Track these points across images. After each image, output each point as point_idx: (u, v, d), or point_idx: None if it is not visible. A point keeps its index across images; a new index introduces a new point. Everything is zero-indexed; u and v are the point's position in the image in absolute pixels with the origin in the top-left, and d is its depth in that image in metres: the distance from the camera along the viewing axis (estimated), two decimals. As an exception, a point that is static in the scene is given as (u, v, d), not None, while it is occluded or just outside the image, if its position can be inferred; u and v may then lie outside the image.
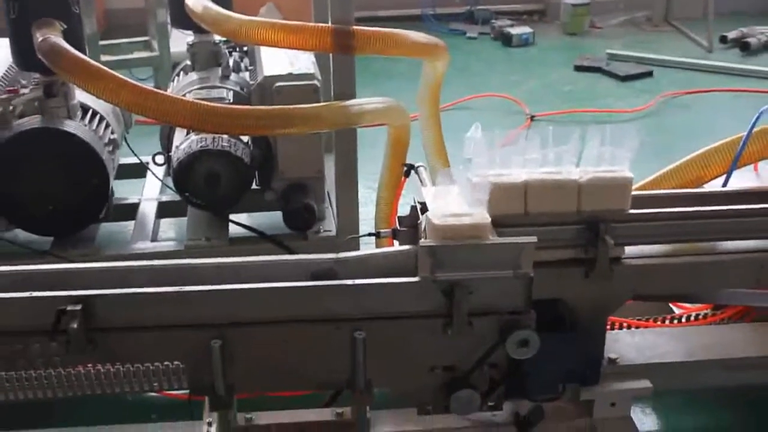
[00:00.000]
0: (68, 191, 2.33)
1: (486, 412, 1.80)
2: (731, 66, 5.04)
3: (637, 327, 2.19)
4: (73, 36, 2.25)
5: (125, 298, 1.58)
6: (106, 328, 1.58)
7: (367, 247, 2.18)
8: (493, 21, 5.92)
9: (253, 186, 2.44)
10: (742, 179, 2.23)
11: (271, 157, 2.41)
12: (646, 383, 1.94)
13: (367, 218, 2.50)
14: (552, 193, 1.68)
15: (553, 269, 1.72)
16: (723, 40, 5.42)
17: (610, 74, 5.01)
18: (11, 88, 2.46)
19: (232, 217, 2.45)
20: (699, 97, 4.64)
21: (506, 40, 5.67)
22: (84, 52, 2.19)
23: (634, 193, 1.74)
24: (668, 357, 2.05)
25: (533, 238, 1.58)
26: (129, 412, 2.21)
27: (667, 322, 2.25)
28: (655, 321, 2.24)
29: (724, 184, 2.18)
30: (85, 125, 2.44)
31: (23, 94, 2.44)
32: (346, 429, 1.81)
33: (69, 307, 1.54)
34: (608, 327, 1.90)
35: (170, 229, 2.66)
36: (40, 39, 2.18)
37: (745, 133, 2.15)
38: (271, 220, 2.45)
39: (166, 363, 1.79)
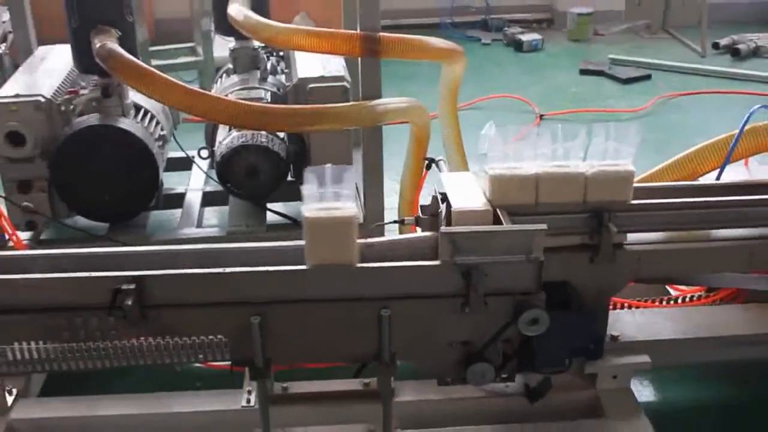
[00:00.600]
0: (122, 182, 2.35)
1: (499, 384, 1.81)
2: (723, 70, 5.02)
3: (637, 307, 2.19)
4: (127, 42, 2.27)
5: (174, 278, 1.59)
6: (157, 305, 1.59)
7: (392, 234, 2.19)
8: (505, 28, 5.90)
9: (289, 178, 2.44)
10: (734, 173, 2.23)
11: (304, 151, 2.41)
12: (645, 358, 1.93)
13: (391, 207, 2.50)
14: (560, 185, 1.68)
15: (561, 254, 1.71)
16: (715, 46, 5.39)
17: (612, 77, 4.99)
18: (72, 90, 2.47)
19: (269, 205, 2.45)
20: (693, 99, 4.62)
21: (517, 45, 5.65)
22: (137, 57, 2.20)
23: (635, 185, 1.74)
24: (665, 334, 2.05)
25: (543, 226, 1.58)
26: (177, 381, 2.22)
27: (664, 303, 2.24)
28: (653, 302, 2.23)
29: (718, 178, 2.18)
30: (138, 122, 2.45)
31: (83, 94, 2.45)
32: (372, 398, 1.81)
33: (124, 286, 1.56)
34: (611, 307, 1.89)
35: (213, 216, 2.67)
36: (98, 45, 2.19)
37: (737, 132, 2.14)
38: (305, 209, 2.45)
39: (210, 337, 1.80)
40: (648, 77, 4.99)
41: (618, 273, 1.79)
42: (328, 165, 1.58)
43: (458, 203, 1.65)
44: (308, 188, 1.55)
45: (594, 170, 1.69)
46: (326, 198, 1.54)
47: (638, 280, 2.05)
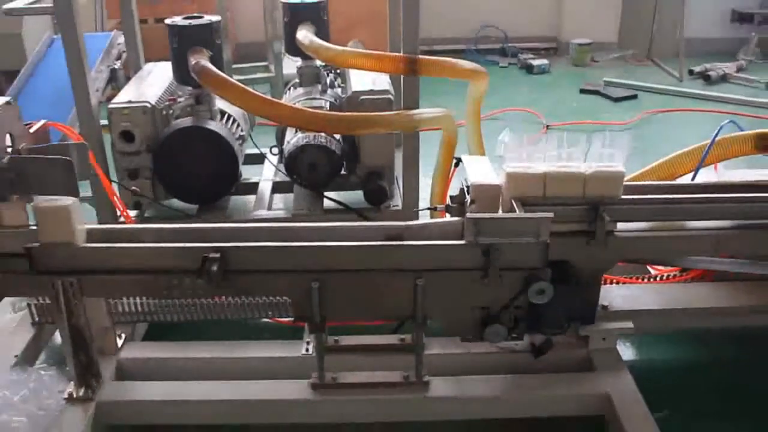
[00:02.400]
0: (209, 172, 2.36)
1: (510, 342, 1.79)
2: (697, 92, 4.95)
3: (623, 283, 2.16)
4: (216, 60, 2.27)
5: (250, 249, 1.61)
6: (236, 270, 1.60)
7: (425, 218, 2.18)
8: (519, 54, 5.86)
9: (342, 171, 2.43)
10: (706, 176, 2.20)
11: (355, 150, 2.41)
12: (629, 324, 1.93)
13: (424, 197, 2.49)
14: (564, 181, 1.67)
15: (564, 238, 1.69)
16: (691, 72, 5.32)
17: (606, 96, 4.92)
18: (171, 98, 2.48)
19: (326, 193, 2.45)
20: (672, 115, 4.56)
21: (529, 69, 5.60)
22: (223, 72, 2.20)
23: (625, 183, 1.72)
24: (646, 305, 2.04)
25: (550, 215, 1.57)
26: (250, 333, 2.24)
27: (646, 280, 2.22)
28: (637, 279, 2.21)
29: (692, 179, 2.15)
30: (223, 125, 2.46)
31: (180, 102, 2.46)
32: (407, 350, 1.80)
33: (211, 255, 1.57)
34: (603, 282, 1.86)
35: (281, 201, 2.67)
36: (193, 62, 2.20)
37: (710, 141, 2.13)
38: (354, 196, 2.45)
39: (278, 298, 1.82)
40: (635, 96, 4.92)
41: (609, 254, 1.77)
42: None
43: (476, 179, 1.64)
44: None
45: (592, 170, 1.67)
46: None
47: (625, 261, 2.05)
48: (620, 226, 1.77)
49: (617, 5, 5.95)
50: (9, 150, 1.61)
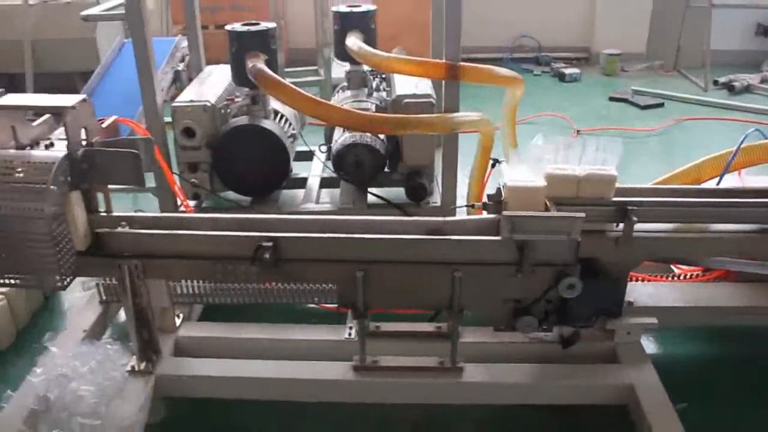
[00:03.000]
0: (263, 167, 2.37)
1: (540, 333, 1.77)
2: (721, 101, 4.83)
3: (649, 281, 2.13)
4: (271, 64, 2.27)
5: (300, 239, 1.61)
6: (287, 258, 1.60)
7: (462, 215, 2.16)
8: (552, 63, 5.78)
9: (386, 169, 2.42)
10: (730, 181, 2.15)
11: (398, 149, 2.39)
12: (653, 320, 1.88)
13: (462, 195, 2.47)
14: (596, 183, 1.63)
15: (594, 237, 1.66)
16: (715, 83, 5.20)
17: (634, 104, 4.83)
18: (229, 98, 2.50)
19: (370, 189, 2.45)
20: (697, 123, 4.45)
21: (561, 77, 5.52)
22: (277, 75, 2.21)
23: (650, 185, 1.69)
24: (669, 302, 2.00)
25: (582, 214, 1.54)
26: (297, 317, 2.24)
27: (670, 278, 2.18)
28: (662, 277, 2.17)
29: (717, 184, 2.11)
30: (276, 123, 2.46)
31: (237, 101, 2.48)
32: (443, 338, 1.79)
33: (264, 243, 1.57)
34: (629, 279, 1.83)
35: (327, 196, 2.67)
36: (250, 65, 2.20)
37: (735, 148, 2.08)
38: (396, 193, 2.44)
39: (324, 285, 1.81)
40: (662, 105, 4.82)
41: (635, 253, 1.73)
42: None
43: (512, 181, 1.62)
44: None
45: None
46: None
47: (651, 260, 2.02)
48: (646, 226, 1.73)
49: (646, 18, 5.84)
50: (83, 143, 1.63)
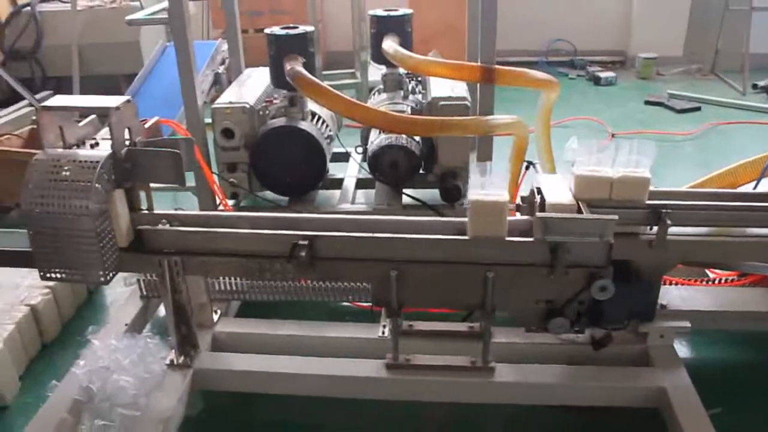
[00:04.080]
0: (300, 168, 2.38)
1: (572, 334, 1.76)
2: (759, 105, 4.73)
3: (682, 284, 2.09)
4: (309, 66, 2.28)
5: (336, 238, 1.61)
6: (322, 257, 1.61)
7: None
8: (587, 67, 5.73)
9: (421, 171, 2.42)
10: (767, 186, 2.11)
11: (433, 151, 2.39)
12: (686, 323, 1.86)
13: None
14: (630, 186, 1.61)
15: (627, 239, 1.64)
16: (754, 86, 5.11)
17: (670, 108, 4.76)
18: (268, 99, 2.52)
19: (405, 190, 2.45)
20: (734, 127, 4.37)
21: (596, 80, 5.47)
22: (315, 77, 2.22)
23: (685, 189, 1.67)
24: (703, 307, 1.97)
25: (615, 217, 1.52)
26: (331, 314, 2.25)
27: (704, 282, 2.14)
28: (695, 281, 2.13)
29: (755, 188, 2.07)
30: (313, 125, 2.48)
31: (275, 103, 2.50)
32: (475, 338, 1.79)
33: (300, 242, 1.59)
34: (662, 283, 1.80)
35: (363, 196, 2.68)
36: (288, 68, 2.22)
37: (772, 154, 2.04)
38: (431, 194, 2.44)
39: (359, 283, 1.82)
40: (698, 109, 4.73)
41: (669, 257, 1.70)
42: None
43: (551, 198, 1.61)
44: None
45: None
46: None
47: (685, 263, 1.98)
48: (681, 230, 1.70)
49: (684, 21, 5.75)
50: (127, 143, 1.66)
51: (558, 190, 1.64)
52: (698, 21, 5.74)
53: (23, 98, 3.79)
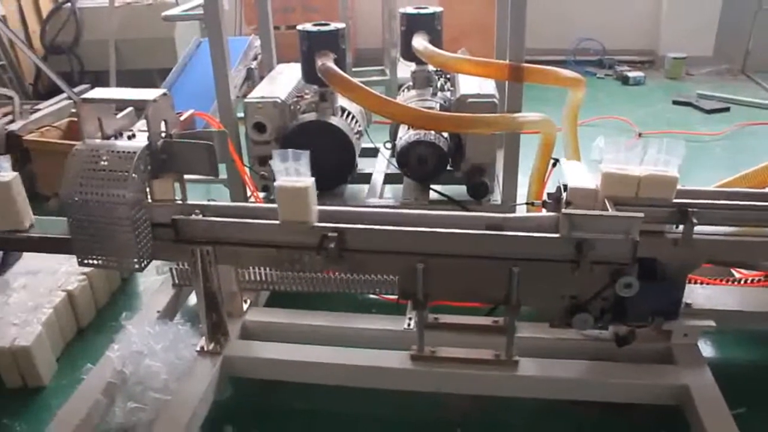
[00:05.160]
0: (330, 162, 2.39)
1: (595, 331, 1.75)
2: (789, 107, 4.66)
3: (707, 283, 2.07)
4: (340, 63, 2.30)
5: (364, 231, 1.62)
6: (351, 249, 1.62)
7: (522, 212, 2.15)
8: (615, 66, 5.67)
9: (448, 167, 2.43)
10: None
11: (461, 147, 2.39)
12: (711, 323, 1.85)
13: (521, 194, 2.45)
14: (657, 184, 1.60)
15: (653, 237, 1.63)
16: (785, 87, 5.03)
17: (698, 108, 4.69)
18: (299, 94, 2.54)
19: (432, 186, 2.45)
20: (763, 128, 4.29)
21: (624, 80, 5.40)
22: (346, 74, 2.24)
23: (713, 188, 1.65)
24: (728, 306, 1.95)
25: (641, 215, 1.51)
26: (359, 306, 2.27)
27: (729, 282, 2.12)
28: (721, 280, 2.11)
29: (783, 188, 2.03)
30: (343, 120, 2.49)
31: (306, 98, 2.52)
32: (499, 332, 1.79)
33: (329, 234, 1.60)
34: (687, 281, 1.79)
35: (390, 191, 2.70)
36: (319, 63, 2.23)
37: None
38: (458, 190, 2.44)
39: (385, 276, 1.83)
40: (727, 109, 4.65)
41: (695, 256, 1.68)
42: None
43: (573, 183, 1.61)
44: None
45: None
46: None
47: (711, 262, 1.95)
48: (707, 229, 1.69)
49: (714, 21, 5.66)
50: (162, 134, 1.69)
51: (581, 178, 1.63)
52: (729, 21, 5.65)
53: (62, 92, 3.85)
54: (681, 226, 1.63)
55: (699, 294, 1.97)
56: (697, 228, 1.62)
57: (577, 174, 1.67)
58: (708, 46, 5.73)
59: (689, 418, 1.70)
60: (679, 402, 1.75)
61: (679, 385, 1.74)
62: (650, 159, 1.61)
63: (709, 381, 1.74)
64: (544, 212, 1.70)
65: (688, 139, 4.03)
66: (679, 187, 1.63)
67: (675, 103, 4.84)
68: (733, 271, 2.16)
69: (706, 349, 2.11)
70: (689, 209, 1.61)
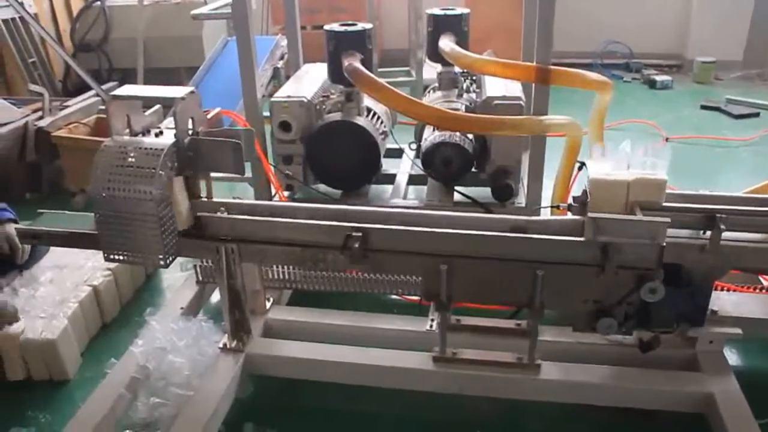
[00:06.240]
0: (354, 162, 2.40)
1: (619, 336, 1.73)
2: (822, 112, 4.57)
3: (734, 290, 2.04)
4: (366, 63, 2.30)
5: (388, 231, 1.63)
6: (375, 249, 1.62)
7: (546, 216, 2.13)
8: (643, 70, 5.61)
9: (473, 169, 2.42)
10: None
11: (486, 149, 2.39)
12: (737, 330, 1.82)
13: (546, 197, 2.43)
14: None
15: (679, 243, 1.61)
16: (816, 93, 4.93)
17: (727, 113, 4.62)
18: (325, 94, 2.55)
19: (457, 187, 2.45)
20: (795, 134, 4.23)
21: (652, 84, 5.35)
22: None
23: (741, 194, 1.62)
24: (755, 314, 1.92)
25: (667, 220, 1.50)
26: (381, 306, 2.26)
27: (756, 289, 2.08)
28: (747, 288, 2.08)
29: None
30: (369, 120, 2.49)
31: (332, 98, 2.52)
32: (522, 335, 1.78)
33: (353, 234, 1.60)
34: (714, 288, 1.76)
35: (414, 193, 2.69)
36: (346, 63, 2.24)
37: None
38: (482, 192, 2.43)
39: (409, 276, 1.83)
40: (757, 115, 4.58)
41: (722, 262, 1.65)
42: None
43: (594, 173, 1.59)
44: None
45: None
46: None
47: (738, 269, 1.91)
48: (734, 235, 1.66)
49: (745, 25, 5.57)
50: (190, 132, 1.70)
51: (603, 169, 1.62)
52: (760, 25, 5.56)
53: (90, 88, 3.90)
54: (708, 232, 1.61)
55: (725, 301, 1.94)
56: (725, 234, 1.59)
57: (600, 169, 1.65)
58: (738, 50, 5.65)
59: (714, 426, 1.67)
60: (703, 410, 1.72)
61: (704, 393, 1.71)
62: (637, 163, 1.59)
63: (735, 389, 1.72)
64: (569, 215, 1.69)
65: (715, 144, 3.98)
66: (707, 192, 1.61)
67: (703, 107, 4.77)
68: (761, 278, 2.13)
69: (732, 357, 2.08)
70: (717, 215, 1.59)
